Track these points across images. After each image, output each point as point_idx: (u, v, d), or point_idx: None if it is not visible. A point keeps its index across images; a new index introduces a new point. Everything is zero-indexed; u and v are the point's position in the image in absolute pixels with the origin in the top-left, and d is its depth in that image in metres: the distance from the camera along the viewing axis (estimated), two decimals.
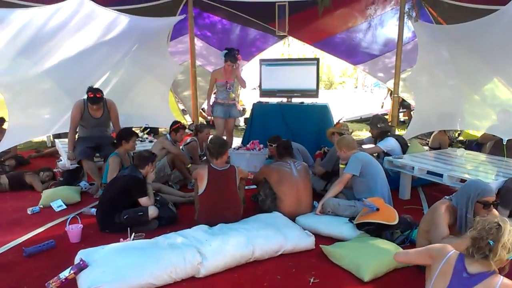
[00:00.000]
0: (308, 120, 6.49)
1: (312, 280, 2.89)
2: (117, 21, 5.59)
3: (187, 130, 6.64)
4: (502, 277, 2.09)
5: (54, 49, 5.26)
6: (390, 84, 8.47)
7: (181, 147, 5.72)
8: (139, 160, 3.98)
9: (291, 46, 11.42)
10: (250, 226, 3.43)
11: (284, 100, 6.90)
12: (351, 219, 3.65)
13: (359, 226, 3.48)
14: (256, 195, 4.46)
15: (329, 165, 4.83)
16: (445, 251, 2.27)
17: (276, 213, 3.83)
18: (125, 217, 3.67)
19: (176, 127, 5.36)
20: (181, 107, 10.28)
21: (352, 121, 12.31)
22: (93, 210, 4.20)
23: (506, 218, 2.19)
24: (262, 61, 7.16)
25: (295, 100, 6.86)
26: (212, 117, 6.42)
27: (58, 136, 6.79)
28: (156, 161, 4.25)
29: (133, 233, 3.41)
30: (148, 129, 6.97)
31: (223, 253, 3.02)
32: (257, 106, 6.92)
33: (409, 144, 5.52)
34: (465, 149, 5.72)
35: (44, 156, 7.14)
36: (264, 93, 7.07)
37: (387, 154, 5.02)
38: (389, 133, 5.35)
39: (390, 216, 3.42)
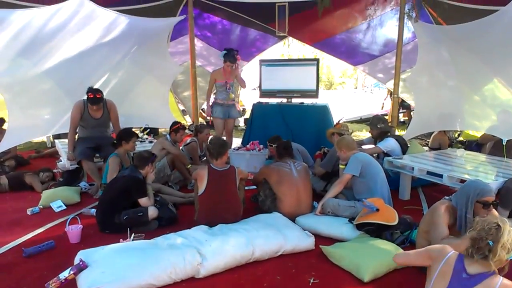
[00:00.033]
0: (308, 121, 6.49)
1: (312, 281, 2.89)
2: (117, 21, 5.59)
3: (187, 131, 6.63)
4: (501, 277, 2.09)
5: (54, 49, 5.26)
6: (390, 84, 8.47)
7: (181, 147, 5.72)
8: (139, 160, 3.98)
9: (291, 47, 11.42)
10: (250, 226, 3.42)
11: (284, 100, 6.91)
12: (351, 219, 3.65)
13: (359, 227, 3.48)
14: (256, 195, 4.46)
15: (329, 165, 4.83)
16: (445, 251, 2.27)
17: (276, 213, 3.83)
18: (125, 218, 3.67)
19: (176, 127, 5.36)
20: (181, 107, 10.29)
21: (352, 122, 12.30)
22: (93, 211, 4.20)
23: (505, 219, 2.20)
24: (262, 61, 7.17)
25: (295, 101, 6.87)
26: (212, 118, 6.41)
27: (58, 136, 6.79)
28: (156, 161, 4.25)
29: (133, 234, 3.41)
30: (148, 130, 6.98)
31: (223, 253, 3.02)
32: (257, 107, 6.92)
33: (409, 145, 5.52)
34: (465, 149, 5.72)
35: (44, 157, 7.14)
36: (264, 93, 7.07)
37: (387, 154, 5.02)
38: (389, 134, 5.35)
39: (390, 216, 3.42)
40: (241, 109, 12.67)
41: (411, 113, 10.17)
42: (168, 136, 5.40)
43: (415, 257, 2.52)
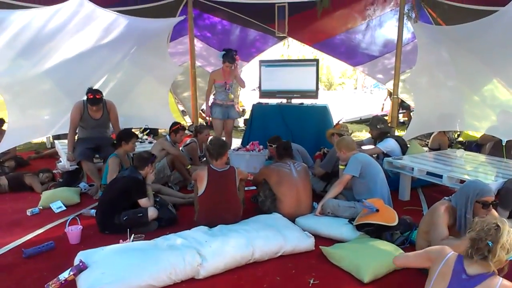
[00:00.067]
0: (307, 121, 6.49)
1: (312, 281, 2.89)
2: (116, 22, 5.58)
3: (186, 131, 6.64)
4: (501, 278, 2.09)
5: (53, 50, 5.25)
6: (390, 85, 8.48)
7: (180, 148, 5.72)
8: (138, 161, 3.98)
9: (290, 47, 11.43)
10: (250, 227, 3.43)
11: (284, 101, 6.91)
12: (351, 220, 3.64)
13: (359, 227, 3.48)
14: (255, 196, 4.46)
15: (329, 166, 4.83)
16: (444, 252, 2.27)
17: (276, 214, 3.83)
18: (124, 218, 3.67)
19: (176, 128, 5.36)
20: (181, 108, 10.29)
21: (351, 122, 12.30)
22: (93, 211, 4.20)
23: (505, 219, 2.19)
24: (261, 62, 7.18)
25: (295, 101, 6.87)
26: (211, 118, 6.41)
27: (57, 137, 6.79)
28: (155, 162, 4.25)
29: (133, 234, 3.41)
30: (148, 130, 6.98)
31: (223, 254, 3.01)
32: (256, 107, 6.92)
33: (408, 145, 5.53)
34: (465, 150, 5.72)
35: (44, 157, 7.14)
36: (263, 94, 7.08)
37: (386, 155, 5.02)
38: (388, 134, 5.35)
39: (389, 217, 3.42)
40: (241, 110, 12.75)
41: (411, 113, 10.18)
42: (167, 136, 5.40)
43: (414, 259, 2.52)
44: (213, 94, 6.43)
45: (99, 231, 3.80)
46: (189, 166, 5.29)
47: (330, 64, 34.89)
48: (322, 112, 6.57)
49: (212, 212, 3.66)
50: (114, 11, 5.59)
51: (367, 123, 7.17)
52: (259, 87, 7.11)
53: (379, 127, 5.32)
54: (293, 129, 6.43)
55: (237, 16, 7.90)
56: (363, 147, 5.39)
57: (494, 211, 2.92)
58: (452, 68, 6.06)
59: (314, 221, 3.80)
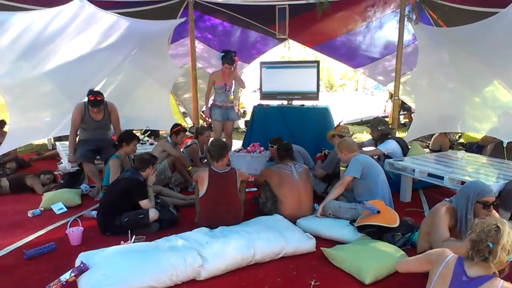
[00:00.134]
0: (308, 123, 6.50)
1: (313, 283, 2.88)
2: (117, 24, 5.59)
3: (187, 133, 6.64)
4: (502, 280, 2.09)
5: (54, 52, 5.26)
6: (390, 87, 8.47)
7: (181, 149, 5.72)
8: (139, 162, 3.99)
9: (291, 49, 11.43)
10: (251, 228, 3.43)
11: (285, 102, 6.92)
12: (352, 221, 3.64)
13: (360, 229, 3.48)
14: (256, 197, 4.46)
15: (330, 167, 4.83)
16: (444, 255, 2.27)
17: (277, 215, 3.83)
18: (125, 220, 3.68)
19: (177, 129, 5.36)
20: (182, 109, 10.29)
21: (352, 124, 12.32)
22: (94, 213, 4.20)
23: (505, 220, 2.19)
24: (262, 63, 7.19)
25: (296, 103, 6.87)
26: (210, 120, 6.40)
27: (58, 138, 6.79)
28: (156, 163, 4.26)
29: (134, 236, 3.41)
30: (149, 132, 6.98)
31: (224, 255, 3.02)
32: (257, 109, 6.93)
33: (409, 147, 5.53)
34: (466, 151, 5.72)
35: (45, 159, 7.15)
36: (264, 95, 7.09)
37: (387, 156, 5.02)
38: (389, 136, 5.35)
39: (391, 218, 3.42)
40: (242, 111, 12.76)
41: (412, 115, 10.17)
42: (168, 138, 5.40)
43: (414, 263, 2.53)
44: (213, 96, 6.43)
45: (100, 232, 3.81)
46: (190, 167, 5.30)
47: (331, 66, 34.94)
48: (323, 114, 6.58)
49: (213, 213, 3.66)
50: (115, 13, 5.60)
51: (368, 124, 7.17)
52: (260, 88, 7.11)
53: (380, 129, 5.31)
54: (294, 130, 6.44)
55: (238, 18, 7.90)
56: (364, 149, 5.39)
57: (495, 212, 2.92)
58: (453, 69, 6.06)
59: (315, 223, 3.80)
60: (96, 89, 5.19)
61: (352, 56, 8.69)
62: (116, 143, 4.72)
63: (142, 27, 6.08)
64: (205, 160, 5.93)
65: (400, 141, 5.37)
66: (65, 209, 4.44)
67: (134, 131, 5.42)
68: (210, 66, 8.90)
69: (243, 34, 8.56)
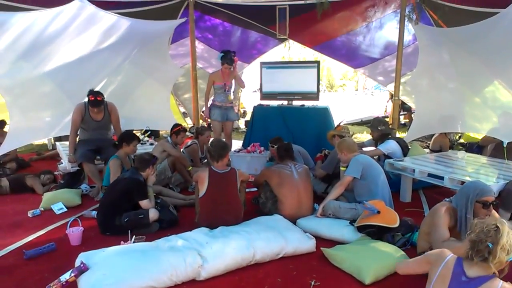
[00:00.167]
0: (308, 123, 6.50)
1: (313, 283, 2.88)
2: (118, 24, 5.59)
3: (187, 133, 6.64)
4: (501, 281, 2.08)
5: (55, 52, 5.26)
6: (391, 87, 8.47)
7: (181, 149, 5.72)
8: (140, 162, 3.99)
9: (291, 49, 11.44)
10: (251, 228, 3.43)
11: (285, 102, 6.92)
12: (352, 221, 3.64)
13: (360, 229, 3.48)
14: (256, 197, 4.46)
15: (330, 167, 4.83)
16: (443, 255, 2.27)
17: (277, 215, 3.83)
18: (125, 220, 3.68)
19: (177, 129, 5.36)
20: (182, 109, 10.29)
21: (352, 124, 12.32)
22: (94, 213, 4.20)
23: (504, 220, 2.19)
24: (262, 63, 7.19)
25: (296, 103, 6.87)
26: (210, 120, 6.39)
27: (59, 139, 6.80)
28: (156, 164, 4.25)
29: (134, 236, 3.41)
30: (149, 132, 6.98)
31: (224, 256, 3.01)
32: (257, 109, 6.94)
33: (409, 147, 5.53)
34: (466, 151, 5.72)
35: (45, 159, 7.15)
36: (264, 95, 7.09)
37: (388, 156, 5.02)
38: (389, 136, 5.35)
39: (391, 218, 3.42)
40: (242, 112, 12.77)
41: (412, 115, 10.17)
42: (169, 138, 5.40)
43: (414, 265, 2.53)
44: (212, 96, 6.43)
45: (100, 232, 3.81)
46: (190, 167, 5.30)
47: (331, 66, 34.94)
48: (323, 114, 6.58)
49: (213, 213, 3.66)
50: (115, 13, 5.59)
51: (368, 124, 7.17)
52: (260, 88, 7.11)
53: (380, 129, 5.32)
54: (294, 130, 6.44)
55: (238, 18, 7.90)
56: (364, 149, 5.39)
57: (495, 212, 2.92)
58: (453, 70, 6.06)
59: (315, 223, 3.80)
60: (97, 89, 5.19)
61: (352, 57, 8.69)
62: (116, 143, 4.72)
63: (142, 27, 6.08)
64: (205, 160, 5.92)
65: (400, 141, 5.37)
66: (65, 209, 4.44)
67: (134, 131, 5.43)
68: (211, 66, 8.91)
69: (244, 34, 8.57)
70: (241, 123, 11.83)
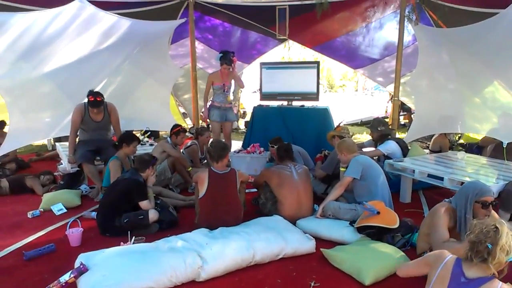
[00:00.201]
0: (308, 123, 6.50)
1: (313, 284, 2.88)
2: (118, 25, 5.59)
3: (187, 134, 6.63)
4: (500, 282, 2.08)
5: (54, 53, 5.26)
6: (390, 88, 8.47)
7: (181, 150, 5.72)
8: (139, 163, 3.99)
9: (291, 50, 11.44)
10: (250, 229, 3.42)
11: (285, 103, 6.92)
12: (352, 222, 3.64)
13: (360, 230, 3.47)
14: (256, 198, 4.46)
15: (330, 168, 4.83)
16: (443, 256, 2.27)
17: (276, 216, 3.82)
18: (125, 221, 3.67)
19: (177, 130, 5.36)
20: (182, 110, 10.29)
21: (352, 124, 12.32)
22: (94, 214, 4.20)
23: (503, 221, 2.19)
24: (262, 64, 7.19)
25: (296, 103, 6.87)
26: (209, 121, 6.38)
27: (58, 139, 6.80)
28: (156, 164, 4.25)
29: (134, 237, 3.41)
30: (149, 133, 6.98)
31: (223, 256, 3.01)
32: (257, 109, 6.94)
33: (409, 147, 5.53)
34: (466, 152, 5.72)
35: (45, 160, 7.15)
36: (264, 96, 7.09)
37: (387, 157, 5.02)
38: (389, 136, 5.35)
39: (391, 219, 3.42)
40: (242, 112, 12.77)
41: (412, 115, 10.17)
42: (168, 139, 5.40)
43: (414, 267, 2.54)
44: (212, 97, 6.42)
45: (100, 233, 3.81)
46: (190, 168, 5.30)
47: (331, 66, 34.91)
48: (323, 114, 6.58)
49: (213, 214, 3.66)
50: (115, 13, 5.59)
51: (368, 125, 7.17)
52: (260, 89, 7.11)
53: (380, 129, 5.32)
54: (294, 131, 6.44)
55: (238, 18, 7.90)
56: (364, 149, 5.38)
57: (494, 213, 2.92)
58: (453, 70, 6.06)
59: (315, 224, 3.80)
60: (96, 89, 5.19)
61: (352, 57, 8.69)
62: (116, 143, 4.72)
63: (142, 27, 6.08)
64: (205, 161, 5.92)
65: (400, 141, 5.37)
66: (65, 210, 4.44)
67: (134, 132, 5.43)
68: (210, 67, 8.90)
69: (243, 34, 8.56)
70: (241, 124, 11.83)
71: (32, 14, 4.99)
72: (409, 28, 6.71)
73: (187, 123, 9.76)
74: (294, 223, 3.80)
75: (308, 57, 13.62)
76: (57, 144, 6.49)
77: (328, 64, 29.80)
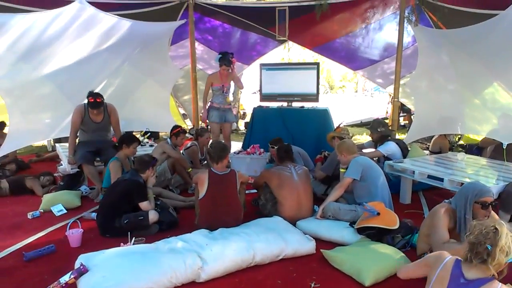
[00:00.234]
0: (308, 125, 6.50)
1: (313, 285, 2.88)
2: (117, 26, 5.60)
3: (187, 135, 6.63)
4: (500, 283, 2.08)
5: (54, 54, 5.27)
6: (390, 89, 8.47)
7: (181, 151, 5.72)
8: (139, 164, 3.99)
9: (291, 51, 11.44)
10: (250, 230, 3.42)
11: (285, 104, 6.92)
12: (352, 223, 3.64)
13: (360, 231, 3.47)
14: (256, 199, 4.46)
15: (330, 169, 4.83)
16: (442, 257, 2.27)
17: (276, 217, 3.82)
18: (125, 222, 3.67)
19: (177, 131, 5.37)
20: (182, 111, 10.29)
21: (352, 125, 12.31)
22: (94, 215, 4.20)
23: (503, 222, 2.19)
24: (262, 65, 7.19)
25: (296, 104, 6.87)
26: (208, 122, 6.38)
27: (58, 140, 6.80)
28: (156, 165, 4.25)
29: (134, 238, 3.41)
30: (149, 134, 6.98)
31: (223, 257, 3.01)
32: (257, 111, 6.94)
33: (409, 148, 5.53)
34: (466, 153, 5.71)
35: (45, 161, 7.14)
36: (264, 97, 7.09)
37: (387, 158, 5.02)
38: (389, 137, 5.35)
39: (391, 220, 3.42)
40: (242, 113, 12.77)
41: (412, 116, 10.17)
42: (168, 140, 5.40)
43: (414, 268, 2.54)
44: (211, 98, 6.42)
45: (100, 234, 3.81)
46: (190, 169, 5.30)
47: (330, 68, 34.94)
48: (323, 116, 6.58)
49: (213, 215, 3.66)
50: (115, 15, 5.60)
51: (368, 126, 7.17)
52: (260, 90, 7.12)
53: (379, 130, 5.32)
54: (293, 132, 6.44)
55: (238, 19, 7.91)
56: (364, 150, 5.39)
57: (494, 214, 2.92)
58: (453, 71, 6.07)
59: (315, 225, 3.80)
60: (96, 90, 5.20)
61: (351, 58, 8.70)
62: (116, 144, 4.72)
63: (142, 28, 6.09)
64: (205, 162, 5.92)
65: (399, 143, 5.38)
66: (65, 211, 4.43)
67: (134, 133, 5.43)
68: (210, 68, 8.89)
69: (243, 35, 8.57)
70: (241, 125, 11.82)
71: (32, 15, 4.99)
72: (408, 29, 6.73)
73: (187, 124, 9.76)
74: (294, 224, 3.80)
75: (308, 58, 13.63)
76: (57, 145, 6.49)
77: (328, 65, 29.85)
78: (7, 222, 4.18)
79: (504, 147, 5.06)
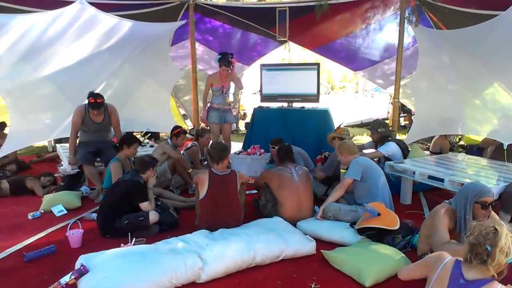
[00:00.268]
0: (309, 125, 6.50)
1: (313, 286, 2.88)
2: (118, 26, 5.60)
3: (188, 135, 6.63)
4: (500, 284, 2.08)
5: (55, 54, 5.27)
6: (390, 90, 8.47)
7: (182, 152, 5.72)
8: (140, 165, 3.99)
9: (291, 51, 11.45)
10: (251, 231, 3.42)
11: (285, 104, 6.92)
12: (352, 224, 3.64)
13: (360, 231, 3.47)
14: (257, 200, 4.46)
15: (330, 169, 4.83)
16: (442, 257, 2.27)
17: (277, 218, 3.82)
18: (126, 222, 3.68)
19: (177, 131, 5.37)
20: (182, 111, 10.30)
21: (352, 126, 12.31)
22: (94, 215, 4.20)
23: (503, 222, 2.19)
24: (262, 66, 7.19)
25: (296, 105, 6.88)
26: (207, 122, 6.37)
27: (59, 141, 6.81)
28: (157, 166, 4.25)
29: (134, 238, 3.41)
30: (149, 134, 6.99)
31: (224, 258, 3.01)
32: (258, 111, 6.94)
33: (410, 149, 5.52)
34: (466, 153, 5.71)
35: (45, 161, 7.15)
36: (264, 97, 7.09)
37: (388, 158, 5.02)
38: (389, 138, 5.35)
39: (391, 221, 3.42)
40: (242, 113, 12.78)
41: (412, 117, 10.17)
42: (169, 140, 5.40)
43: (415, 269, 2.54)
44: (211, 98, 6.43)
45: (100, 234, 3.81)
46: (190, 169, 5.29)
47: (331, 68, 34.97)
48: (323, 116, 6.58)
49: (213, 216, 3.66)
50: (116, 15, 5.60)
51: (368, 126, 7.16)
52: (260, 90, 7.12)
53: (380, 131, 5.32)
54: (294, 132, 6.44)
55: (238, 20, 7.92)
56: (364, 151, 5.39)
57: (494, 214, 2.91)
58: (453, 72, 6.06)
59: (316, 225, 3.80)
60: (97, 91, 5.20)
61: (352, 59, 8.70)
62: (117, 145, 4.72)
63: (142, 29, 6.09)
64: (205, 162, 5.92)
65: (400, 143, 5.38)
66: (65, 211, 4.44)
67: (134, 133, 5.43)
68: (211, 68, 8.90)
69: (244, 36, 8.58)
70: (241, 125, 11.83)
71: (32, 16, 5.00)
72: (409, 30, 6.72)
73: (188, 125, 9.77)
74: (294, 225, 3.80)
75: (308, 59, 13.64)
76: (57, 145, 6.50)
77: (328, 66, 29.88)
78: (8, 222, 4.18)
79: (505, 148, 5.06)
